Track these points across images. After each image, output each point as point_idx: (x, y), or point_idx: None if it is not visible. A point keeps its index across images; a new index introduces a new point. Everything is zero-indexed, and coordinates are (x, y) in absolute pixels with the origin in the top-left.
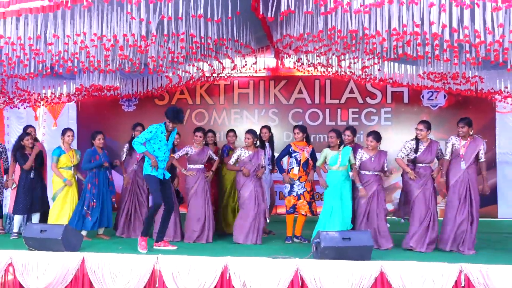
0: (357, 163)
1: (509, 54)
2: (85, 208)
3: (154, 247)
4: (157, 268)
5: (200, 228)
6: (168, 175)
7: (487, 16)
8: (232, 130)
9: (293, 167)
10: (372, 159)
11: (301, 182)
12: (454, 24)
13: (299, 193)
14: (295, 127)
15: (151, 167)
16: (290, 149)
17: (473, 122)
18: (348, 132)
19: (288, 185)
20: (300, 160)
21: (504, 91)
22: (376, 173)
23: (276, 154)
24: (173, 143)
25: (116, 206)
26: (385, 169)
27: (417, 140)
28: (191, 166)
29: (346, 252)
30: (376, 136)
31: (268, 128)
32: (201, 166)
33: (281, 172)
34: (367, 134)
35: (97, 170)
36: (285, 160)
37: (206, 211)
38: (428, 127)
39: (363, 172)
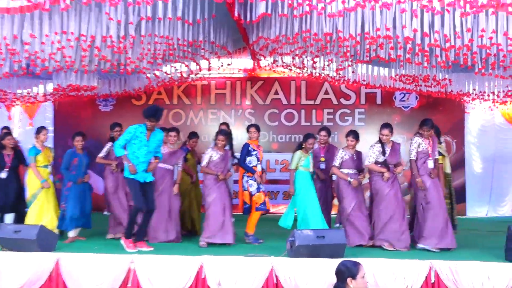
0: (339, 161)
1: (477, 58)
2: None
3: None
4: (132, 268)
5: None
6: (150, 179)
7: (456, 21)
8: (196, 135)
9: (255, 165)
10: (354, 157)
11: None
12: (425, 29)
13: (262, 190)
14: (251, 125)
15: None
16: (249, 148)
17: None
18: (323, 133)
19: (254, 183)
20: (259, 158)
21: (472, 93)
22: (357, 171)
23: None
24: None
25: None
26: (363, 167)
27: (381, 143)
28: (160, 164)
29: (320, 250)
30: (355, 135)
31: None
32: (169, 166)
33: (251, 171)
34: (346, 133)
35: (75, 172)
36: None
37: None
38: (392, 131)
39: (346, 170)
